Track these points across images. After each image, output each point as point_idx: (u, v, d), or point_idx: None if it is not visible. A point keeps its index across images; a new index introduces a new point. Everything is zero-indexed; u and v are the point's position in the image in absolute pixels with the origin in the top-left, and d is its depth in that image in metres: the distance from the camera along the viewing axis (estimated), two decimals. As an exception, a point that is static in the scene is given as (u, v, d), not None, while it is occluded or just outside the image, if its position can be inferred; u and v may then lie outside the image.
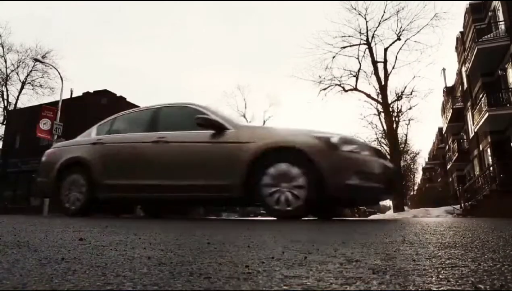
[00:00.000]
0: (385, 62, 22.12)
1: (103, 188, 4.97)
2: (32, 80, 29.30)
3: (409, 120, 29.07)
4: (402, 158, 33.76)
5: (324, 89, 22.97)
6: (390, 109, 23.16)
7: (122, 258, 1.44)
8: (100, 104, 24.53)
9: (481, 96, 16.27)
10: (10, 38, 39.94)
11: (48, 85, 29.27)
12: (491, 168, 14.44)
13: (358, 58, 22.68)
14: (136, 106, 26.87)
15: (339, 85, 22.99)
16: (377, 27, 22.46)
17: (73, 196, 5.12)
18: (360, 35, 22.63)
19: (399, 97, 24.15)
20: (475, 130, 18.18)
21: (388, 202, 63.26)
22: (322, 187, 4.16)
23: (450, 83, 30.16)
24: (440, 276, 1.06)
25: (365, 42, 22.53)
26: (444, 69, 31.10)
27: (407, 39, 21.69)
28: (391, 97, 23.15)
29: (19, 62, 29.19)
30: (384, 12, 22.34)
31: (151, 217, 6.23)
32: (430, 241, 2.27)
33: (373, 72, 22.33)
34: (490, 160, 16.97)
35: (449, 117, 25.93)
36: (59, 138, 17.21)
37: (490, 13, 18.23)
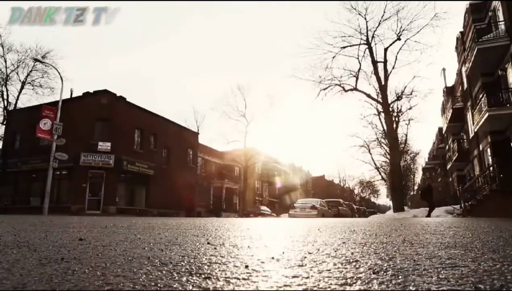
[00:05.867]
0: (385, 62, 22.04)
1: None
2: (32, 80, 29.17)
3: (409, 120, 29.10)
4: (402, 158, 33.75)
5: (324, 89, 22.87)
6: (390, 109, 23.12)
7: (122, 258, 1.44)
8: (100, 104, 24.51)
9: (481, 96, 16.24)
10: (10, 38, 39.71)
11: (48, 85, 29.20)
12: (491, 168, 14.40)
13: (358, 58, 22.57)
14: (135, 106, 26.88)
15: (339, 85, 22.89)
16: (377, 27, 22.35)
17: None
18: (360, 35, 22.54)
19: (399, 97, 24.12)
20: (475, 130, 18.13)
21: (388, 202, 63.76)
22: None
23: (450, 83, 30.09)
24: (440, 276, 1.06)
25: (365, 42, 22.47)
26: (444, 69, 30.93)
27: (407, 39, 21.56)
28: (391, 97, 23.07)
29: (19, 62, 29.03)
30: (384, 12, 22.24)
31: None
32: (430, 241, 2.27)
33: (373, 72, 22.23)
34: (490, 160, 16.93)
35: (449, 117, 25.85)
36: (59, 138, 17.18)
37: (490, 13, 18.20)
